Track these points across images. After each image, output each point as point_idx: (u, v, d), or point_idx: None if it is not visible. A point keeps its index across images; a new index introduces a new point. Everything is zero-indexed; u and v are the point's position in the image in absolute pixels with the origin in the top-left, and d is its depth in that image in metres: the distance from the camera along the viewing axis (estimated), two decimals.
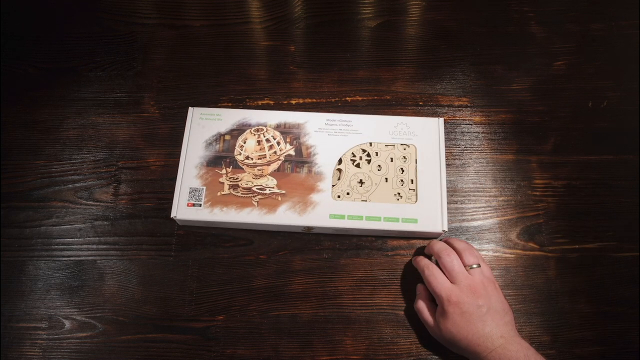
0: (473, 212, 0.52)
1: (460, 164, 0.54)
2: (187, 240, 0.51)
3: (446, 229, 0.48)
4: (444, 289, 0.43)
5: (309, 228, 0.49)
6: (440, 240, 0.49)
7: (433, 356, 0.47)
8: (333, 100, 0.57)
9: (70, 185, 0.53)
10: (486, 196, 0.53)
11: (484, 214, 0.52)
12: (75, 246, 0.51)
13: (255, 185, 0.49)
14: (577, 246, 0.50)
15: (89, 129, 0.56)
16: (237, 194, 0.49)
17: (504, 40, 0.60)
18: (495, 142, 0.55)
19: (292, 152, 0.51)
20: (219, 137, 0.52)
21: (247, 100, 0.57)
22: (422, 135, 0.52)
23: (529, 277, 0.49)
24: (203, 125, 0.52)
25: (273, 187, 0.49)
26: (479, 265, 0.44)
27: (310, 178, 0.50)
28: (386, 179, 0.50)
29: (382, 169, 0.50)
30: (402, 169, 0.50)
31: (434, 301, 0.45)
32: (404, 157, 0.51)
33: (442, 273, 0.44)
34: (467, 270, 0.44)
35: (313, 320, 0.48)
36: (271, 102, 0.57)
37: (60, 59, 0.59)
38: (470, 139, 0.55)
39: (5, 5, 0.62)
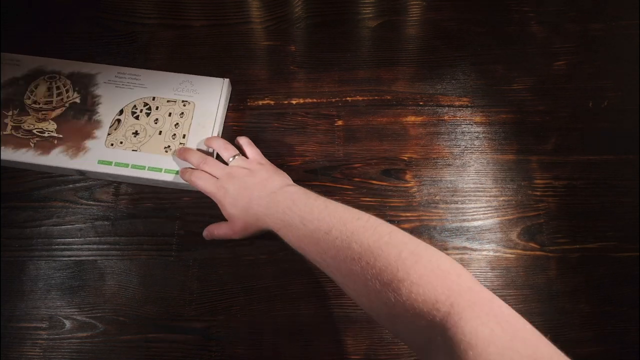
0: (474, 212, 0.52)
1: (461, 164, 0.54)
2: (187, 240, 0.51)
3: None
4: (211, 184, 0.47)
5: (82, 172, 0.51)
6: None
7: None
8: (334, 100, 0.57)
9: (70, 185, 0.53)
10: (487, 196, 0.53)
11: (484, 214, 0.52)
12: (75, 246, 0.51)
13: (36, 128, 0.52)
14: (577, 246, 0.50)
15: None
16: (17, 135, 0.51)
17: (504, 40, 0.60)
18: (496, 142, 0.55)
19: (78, 100, 0.53)
20: (13, 81, 0.54)
21: (248, 99, 0.57)
22: (203, 94, 0.54)
23: (529, 277, 0.49)
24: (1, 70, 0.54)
25: (52, 131, 0.51)
26: (237, 155, 0.49)
27: (88, 125, 0.52)
28: (160, 132, 0.52)
29: (159, 123, 0.52)
30: (177, 124, 0.52)
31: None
32: (182, 112, 0.53)
33: (206, 173, 0.48)
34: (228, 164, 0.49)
35: (313, 321, 0.48)
36: (272, 102, 0.57)
37: (60, 59, 0.59)
38: (471, 139, 0.55)
39: (5, 5, 0.62)
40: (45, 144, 0.51)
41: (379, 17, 0.61)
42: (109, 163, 0.51)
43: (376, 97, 0.57)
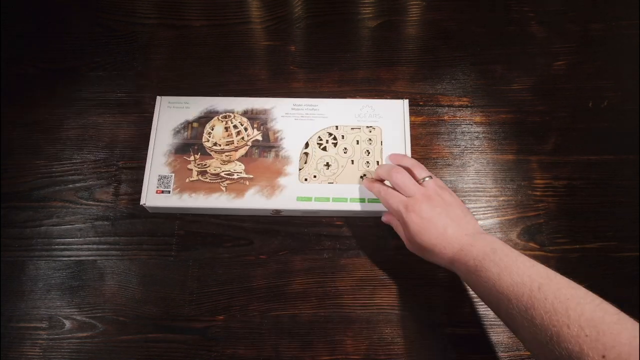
0: (473, 212, 0.52)
1: (461, 164, 0.54)
2: (187, 240, 0.51)
3: None
4: (401, 202, 0.44)
5: (278, 211, 0.49)
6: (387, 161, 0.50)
7: (433, 356, 0.47)
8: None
9: (70, 185, 0.53)
10: (486, 196, 0.53)
11: (484, 214, 0.52)
12: (75, 246, 0.51)
13: (223, 171, 0.50)
14: (577, 246, 0.50)
15: (90, 129, 0.56)
16: (205, 180, 0.50)
17: (504, 40, 0.60)
18: (496, 142, 0.55)
19: (260, 138, 0.51)
20: (187, 124, 0.52)
21: None
22: (387, 117, 0.53)
23: None
24: (171, 114, 0.53)
25: (241, 172, 0.50)
26: (430, 177, 0.45)
27: (277, 162, 0.51)
28: (352, 161, 0.51)
29: (348, 152, 0.51)
30: (367, 151, 0.51)
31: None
32: (370, 139, 0.51)
33: (396, 191, 0.45)
34: (420, 183, 0.45)
35: (313, 320, 0.48)
36: None
37: (60, 59, 0.59)
38: (471, 139, 0.55)
39: (5, 5, 0.62)
40: (238, 187, 0.49)
41: (378, 17, 0.61)
42: (309, 199, 0.49)
43: (376, 97, 0.57)
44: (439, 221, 0.42)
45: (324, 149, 0.51)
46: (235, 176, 0.50)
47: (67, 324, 0.48)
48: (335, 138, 0.52)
